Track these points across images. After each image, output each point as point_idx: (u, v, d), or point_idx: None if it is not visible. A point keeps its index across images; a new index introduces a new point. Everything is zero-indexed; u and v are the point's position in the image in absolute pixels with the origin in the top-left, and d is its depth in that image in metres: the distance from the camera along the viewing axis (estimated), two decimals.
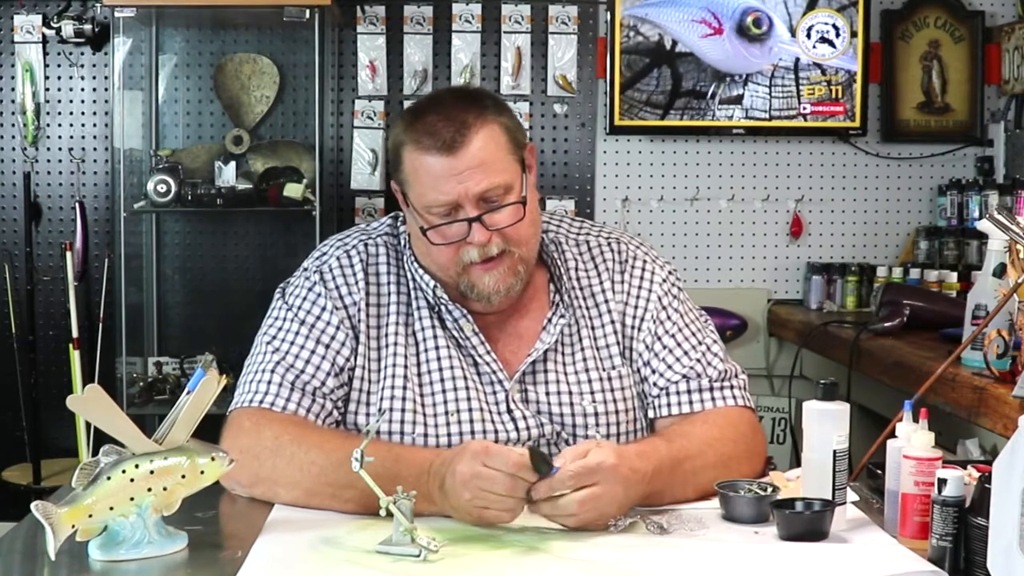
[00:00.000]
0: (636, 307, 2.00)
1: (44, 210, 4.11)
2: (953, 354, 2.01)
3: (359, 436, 1.70)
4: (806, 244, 4.23)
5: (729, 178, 4.20)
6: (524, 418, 1.91)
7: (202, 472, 1.58)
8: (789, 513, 1.64)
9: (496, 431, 1.89)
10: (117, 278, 3.84)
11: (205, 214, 4.01)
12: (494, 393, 1.92)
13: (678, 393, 1.95)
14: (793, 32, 4.04)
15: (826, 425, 1.67)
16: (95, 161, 4.11)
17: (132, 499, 1.54)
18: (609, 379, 1.96)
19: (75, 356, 3.87)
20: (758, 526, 1.68)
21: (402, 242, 1.99)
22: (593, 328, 1.98)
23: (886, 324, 3.25)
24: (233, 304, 4.08)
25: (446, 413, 1.89)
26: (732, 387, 1.96)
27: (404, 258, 1.97)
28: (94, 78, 4.10)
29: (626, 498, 1.66)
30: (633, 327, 1.99)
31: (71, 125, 4.11)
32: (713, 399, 1.95)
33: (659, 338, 1.98)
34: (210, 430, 1.68)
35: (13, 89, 4.08)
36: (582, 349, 1.97)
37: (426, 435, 1.88)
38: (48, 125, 4.10)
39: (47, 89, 4.09)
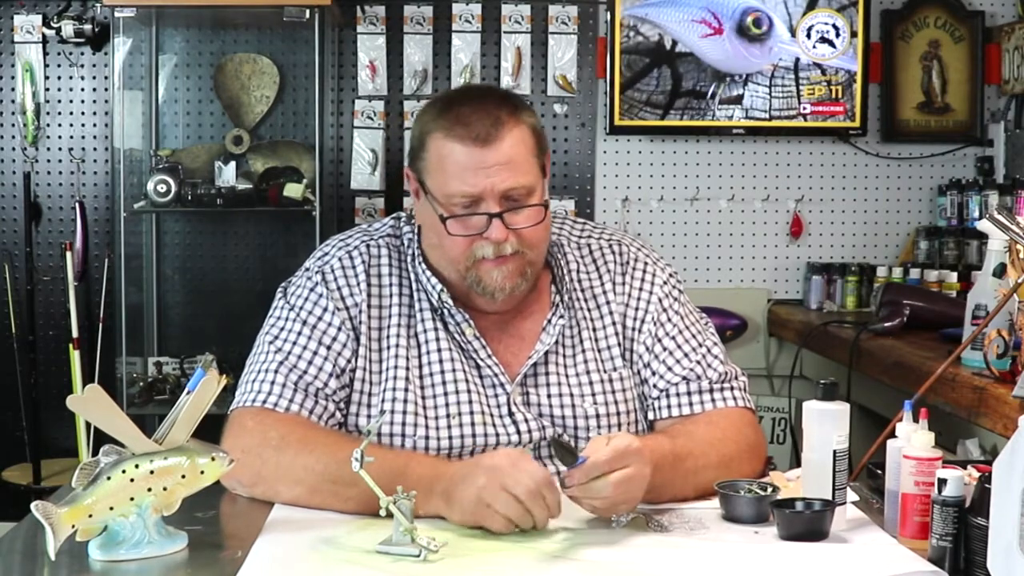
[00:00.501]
0: (637, 309, 2.00)
1: (44, 210, 4.11)
2: (953, 354, 2.01)
3: (362, 438, 1.70)
4: (806, 244, 4.23)
5: (729, 178, 4.20)
6: (525, 421, 1.91)
7: (202, 472, 1.58)
8: (789, 513, 1.64)
9: (497, 434, 1.89)
10: (117, 278, 3.84)
11: (205, 214, 4.01)
12: (496, 396, 1.92)
13: (678, 395, 1.95)
14: (793, 32, 4.04)
15: (826, 425, 1.67)
16: (95, 161, 4.11)
17: (132, 499, 1.54)
18: (610, 381, 1.96)
19: (75, 356, 3.87)
20: (758, 526, 1.68)
21: (405, 243, 1.99)
22: (594, 330, 1.98)
23: (886, 324, 3.25)
24: (233, 304, 4.08)
25: (447, 416, 1.89)
26: (732, 388, 1.97)
27: (407, 259, 1.97)
28: (94, 78, 4.10)
29: (649, 482, 1.67)
30: (634, 329, 1.99)
31: (71, 125, 4.11)
32: (713, 400, 1.95)
33: (659, 340, 1.98)
34: (210, 430, 1.68)
35: (13, 89, 4.08)
36: (583, 351, 1.97)
37: (427, 437, 1.88)
38: (48, 125, 4.10)
39: (47, 89, 4.09)
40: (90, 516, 1.53)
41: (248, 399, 1.87)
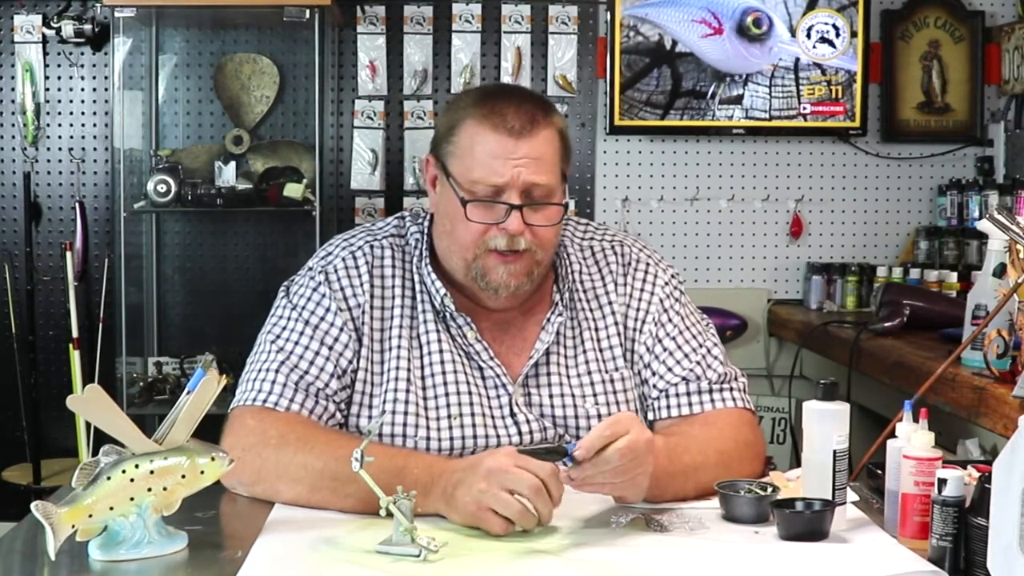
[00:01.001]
0: (638, 309, 2.00)
1: (44, 210, 4.11)
2: (953, 354, 2.01)
3: (362, 437, 1.70)
4: (806, 244, 4.23)
5: (729, 178, 4.20)
6: (527, 422, 1.91)
7: (202, 472, 1.58)
8: (789, 513, 1.64)
9: (498, 435, 1.89)
10: (117, 278, 3.84)
11: (205, 214, 4.02)
12: (498, 397, 1.92)
13: (678, 395, 1.95)
14: (793, 32, 4.04)
15: (826, 425, 1.67)
16: (95, 161, 4.11)
17: (132, 499, 1.54)
18: (611, 381, 1.96)
19: (75, 356, 3.87)
20: (758, 526, 1.68)
21: (410, 243, 1.99)
22: (596, 330, 1.99)
23: (886, 324, 3.25)
24: (233, 304, 4.08)
25: (448, 417, 1.89)
26: (732, 389, 1.97)
27: (411, 259, 1.97)
28: (94, 78, 4.10)
29: (650, 456, 1.67)
30: (635, 329, 1.99)
31: (71, 125, 4.11)
32: (712, 401, 1.95)
33: (660, 340, 1.98)
34: (210, 430, 1.68)
35: (13, 89, 4.08)
36: (584, 352, 1.97)
37: (428, 438, 1.88)
38: (48, 125, 4.10)
39: (47, 89, 4.09)
40: (90, 516, 1.53)
41: (248, 398, 1.87)
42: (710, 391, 1.95)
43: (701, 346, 1.98)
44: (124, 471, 1.53)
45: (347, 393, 1.90)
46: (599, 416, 1.92)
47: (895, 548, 1.59)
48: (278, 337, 1.92)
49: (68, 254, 3.93)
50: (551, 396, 1.93)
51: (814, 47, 4.05)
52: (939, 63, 4.17)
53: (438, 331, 1.93)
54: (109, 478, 1.53)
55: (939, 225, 4.09)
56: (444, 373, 1.91)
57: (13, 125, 4.09)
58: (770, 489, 1.72)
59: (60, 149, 4.11)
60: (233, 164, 3.92)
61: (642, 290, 2.01)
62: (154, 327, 4.09)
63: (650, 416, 1.97)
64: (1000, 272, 2.40)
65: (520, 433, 1.90)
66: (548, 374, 1.94)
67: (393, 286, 1.95)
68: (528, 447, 1.62)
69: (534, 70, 4.12)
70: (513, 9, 4.09)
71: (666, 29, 4.04)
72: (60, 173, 4.11)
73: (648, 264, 2.04)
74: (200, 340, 4.03)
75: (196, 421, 1.58)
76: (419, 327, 1.94)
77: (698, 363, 1.96)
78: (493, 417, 1.91)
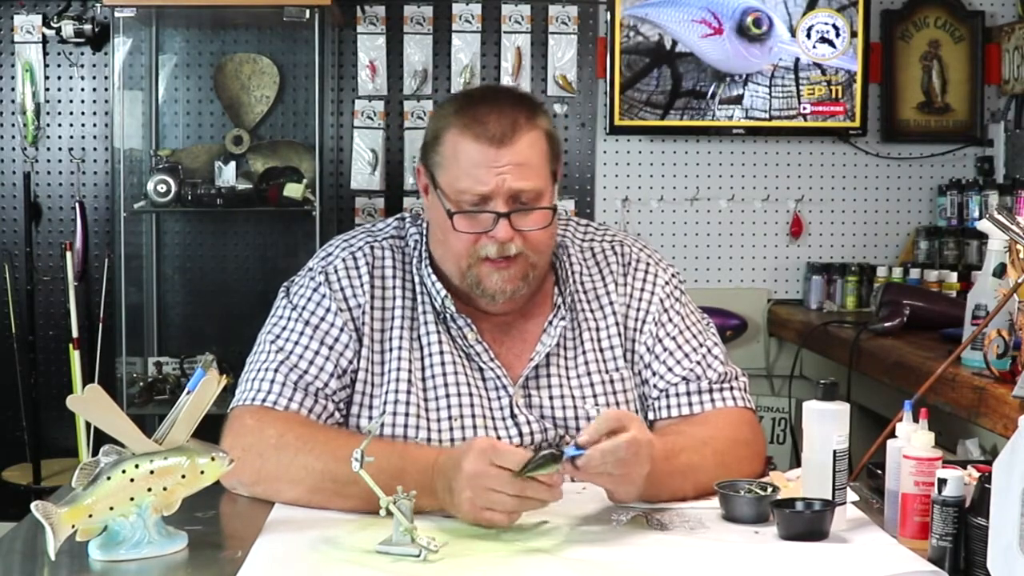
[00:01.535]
0: (639, 309, 2.00)
1: (44, 210, 4.11)
2: (953, 354, 2.01)
3: (362, 436, 1.70)
4: (806, 244, 4.23)
5: (729, 178, 4.20)
6: (528, 423, 1.91)
7: (202, 472, 1.58)
8: (789, 513, 1.64)
9: (499, 437, 1.89)
10: (117, 278, 3.84)
11: (205, 214, 4.01)
12: (499, 399, 1.92)
13: (678, 395, 1.95)
14: (793, 32, 4.04)
15: (826, 425, 1.67)
16: (95, 161, 4.11)
17: (132, 499, 1.54)
18: (612, 381, 1.96)
19: (75, 356, 3.87)
20: (758, 526, 1.68)
21: (410, 244, 1.99)
22: (597, 330, 1.98)
23: (886, 324, 3.25)
24: (233, 304, 4.08)
25: (449, 418, 1.89)
26: (732, 388, 1.97)
27: (412, 261, 1.97)
28: (94, 78, 4.10)
29: (649, 456, 1.67)
30: (635, 329, 1.99)
31: (71, 125, 4.11)
32: (713, 401, 1.95)
33: (660, 340, 1.98)
34: (210, 430, 1.68)
35: (13, 89, 4.08)
36: (584, 352, 1.97)
37: (429, 440, 1.88)
38: (48, 125, 4.10)
39: (47, 89, 4.09)
40: (90, 516, 1.53)
41: (248, 398, 1.87)
42: (710, 391, 1.95)
43: (701, 345, 1.98)
44: (124, 471, 1.54)
45: (347, 393, 1.90)
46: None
47: (895, 548, 1.59)
48: (278, 337, 1.92)
49: (68, 254, 3.93)
50: (551, 397, 1.93)
51: (814, 47, 4.05)
52: (939, 63, 4.17)
53: (438, 332, 1.93)
54: (109, 478, 1.53)
55: (939, 225, 4.09)
56: (445, 374, 1.91)
57: (13, 125, 4.09)
58: (770, 489, 1.72)
59: (60, 149, 4.11)
60: (233, 164, 3.92)
61: (642, 290, 2.01)
62: (154, 327, 4.09)
63: (650, 416, 1.97)
64: (1000, 272, 2.40)
65: (520, 434, 1.90)
66: (548, 375, 1.94)
67: (393, 287, 1.95)
68: (527, 461, 1.61)
69: (534, 70, 4.12)
70: (513, 9, 4.09)
71: (666, 29, 4.04)
72: (60, 173, 4.11)
73: (648, 264, 2.04)
74: (200, 340, 4.02)
75: (196, 421, 1.58)
76: (419, 328, 1.94)
77: (698, 363, 1.96)
78: (494, 418, 1.91)
